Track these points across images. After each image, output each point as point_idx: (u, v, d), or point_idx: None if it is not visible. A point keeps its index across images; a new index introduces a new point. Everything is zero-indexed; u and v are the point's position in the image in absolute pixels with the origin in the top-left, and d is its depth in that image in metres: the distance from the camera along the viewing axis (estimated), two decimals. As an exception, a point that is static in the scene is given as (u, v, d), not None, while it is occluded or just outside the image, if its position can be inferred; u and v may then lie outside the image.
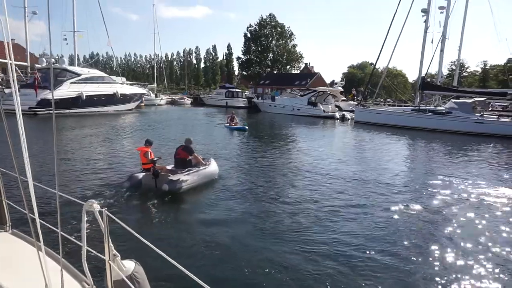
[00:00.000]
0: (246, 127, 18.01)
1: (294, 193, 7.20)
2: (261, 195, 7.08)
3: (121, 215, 5.53)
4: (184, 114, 31.63)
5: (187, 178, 7.56)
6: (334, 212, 6.15)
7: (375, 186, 7.96)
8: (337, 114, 32.87)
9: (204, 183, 7.95)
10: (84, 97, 26.48)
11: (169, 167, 8.15)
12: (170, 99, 50.37)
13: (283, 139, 17.00)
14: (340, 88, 38.42)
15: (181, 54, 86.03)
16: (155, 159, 7.71)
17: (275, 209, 6.30)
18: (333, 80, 49.95)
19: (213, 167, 8.61)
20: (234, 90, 49.33)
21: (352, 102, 37.02)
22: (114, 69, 50.22)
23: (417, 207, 6.64)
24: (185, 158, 8.28)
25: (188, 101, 51.94)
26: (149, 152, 7.79)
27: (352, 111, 32.05)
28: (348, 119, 31.42)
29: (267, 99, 39.97)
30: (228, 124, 20.07)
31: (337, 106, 35.73)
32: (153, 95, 46.13)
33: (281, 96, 39.79)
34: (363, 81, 54.73)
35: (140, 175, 7.63)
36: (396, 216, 6.03)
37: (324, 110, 33.43)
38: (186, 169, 7.93)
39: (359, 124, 27.29)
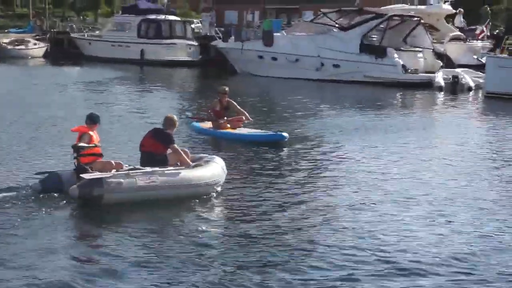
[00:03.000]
0: (284, 134, 17.36)
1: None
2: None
3: None
4: (25, 94, 28.45)
5: (123, 181, 9.97)
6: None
7: None
8: (439, 77, 33.37)
9: (182, 198, 10.52)
10: None
11: (126, 166, 10.77)
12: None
13: (308, 151, 17.05)
14: (449, 8, 39.22)
15: None
16: (84, 145, 10.31)
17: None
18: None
19: (206, 171, 10.93)
20: (162, 18, 50.60)
21: (478, 44, 38.50)
22: None
23: None
24: (154, 153, 10.96)
25: (38, 49, 52.96)
26: (88, 135, 10.44)
27: (480, 67, 33.23)
28: (471, 88, 32.42)
29: (253, 39, 39.83)
30: (211, 128, 18.42)
31: (439, 55, 36.37)
32: None
33: (288, 30, 40.90)
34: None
35: (64, 172, 10.55)
36: None
37: (404, 67, 34.10)
38: (131, 167, 10.62)
39: (495, 101, 28.46)
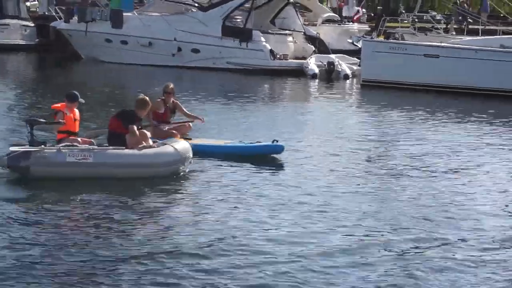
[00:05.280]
0: (281, 143, 16.00)
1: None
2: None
3: None
4: None
5: (51, 156, 11.12)
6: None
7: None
8: (312, 63, 33.50)
9: (120, 178, 11.43)
10: None
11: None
12: None
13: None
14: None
15: None
16: (37, 119, 11.81)
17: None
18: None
19: (149, 153, 11.75)
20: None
21: (354, 26, 39.51)
22: None
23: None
24: (115, 132, 11.92)
25: None
26: (61, 113, 11.72)
27: (355, 53, 34.03)
28: (347, 76, 32.64)
29: (99, 19, 38.49)
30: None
31: (311, 39, 36.36)
32: None
33: (140, 10, 40.53)
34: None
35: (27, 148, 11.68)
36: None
37: (272, 52, 34.31)
38: (73, 143, 11.98)
39: (372, 89, 28.87)
